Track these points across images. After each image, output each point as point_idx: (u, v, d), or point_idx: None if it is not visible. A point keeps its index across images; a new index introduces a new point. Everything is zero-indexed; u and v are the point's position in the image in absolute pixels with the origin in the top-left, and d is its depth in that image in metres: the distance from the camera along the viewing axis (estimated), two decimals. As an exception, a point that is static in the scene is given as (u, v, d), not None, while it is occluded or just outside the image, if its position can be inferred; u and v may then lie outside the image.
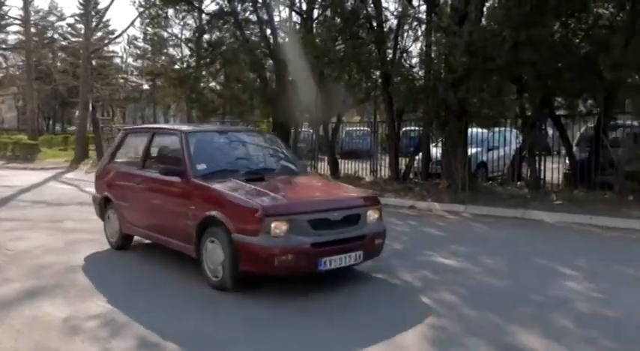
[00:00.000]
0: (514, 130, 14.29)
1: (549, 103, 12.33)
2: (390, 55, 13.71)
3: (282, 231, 4.98)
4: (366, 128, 19.74)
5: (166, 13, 17.54)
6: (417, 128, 15.49)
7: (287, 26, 16.59)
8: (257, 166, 6.56)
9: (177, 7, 17.00)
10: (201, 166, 5.89)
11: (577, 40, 11.83)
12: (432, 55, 12.48)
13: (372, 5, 13.58)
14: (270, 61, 16.39)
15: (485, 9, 11.95)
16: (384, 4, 14.70)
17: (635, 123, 12.11)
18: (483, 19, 11.76)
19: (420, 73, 13.45)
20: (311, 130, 19.18)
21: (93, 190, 7.84)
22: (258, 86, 16.42)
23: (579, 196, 10.82)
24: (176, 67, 25.15)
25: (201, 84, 17.78)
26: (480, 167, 14.12)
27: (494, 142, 13.79)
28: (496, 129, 13.30)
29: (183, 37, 28.68)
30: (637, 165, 10.83)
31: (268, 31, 15.91)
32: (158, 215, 6.33)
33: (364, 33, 13.85)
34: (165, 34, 31.05)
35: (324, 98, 14.60)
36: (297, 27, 16.15)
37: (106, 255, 7.00)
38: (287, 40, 15.73)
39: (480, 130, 13.24)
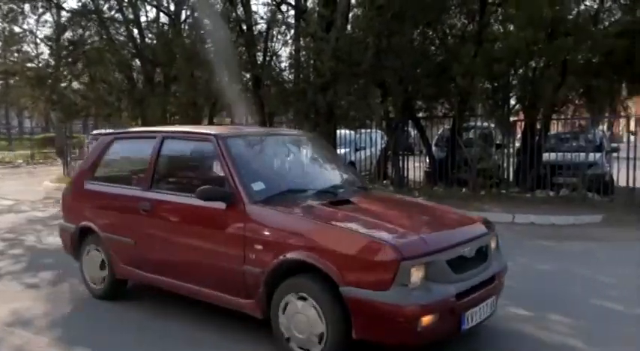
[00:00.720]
0: (379, 132, 15.07)
1: (410, 106, 13.18)
2: (260, 59, 13.94)
3: (419, 279, 3.48)
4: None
5: (22, 8, 16.43)
6: (288, 130, 15.83)
7: (155, 27, 16.22)
8: (324, 182, 4.81)
9: (35, 4, 16.03)
10: (259, 186, 4.17)
11: (433, 49, 12.82)
12: (301, 60, 12.89)
13: (241, 9, 13.72)
14: (139, 62, 15.97)
15: (350, 17, 12.54)
16: (254, 8, 14.87)
17: (485, 124, 13.35)
18: (349, 27, 12.35)
19: (289, 76, 13.82)
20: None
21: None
22: (125, 87, 15.94)
23: (439, 192, 11.70)
24: (30, 65, 23.52)
25: (63, 84, 16.88)
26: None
27: (361, 143, 14.45)
28: (363, 130, 13.99)
29: (40, 34, 26.90)
30: (487, 163, 11.94)
31: (135, 31, 15.51)
32: (187, 256, 4.46)
33: (234, 36, 13.96)
34: (18, 30, 28.89)
35: (194, 100, 14.51)
36: (166, 28, 15.88)
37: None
38: (155, 41, 15.41)
39: (348, 131, 13.85)
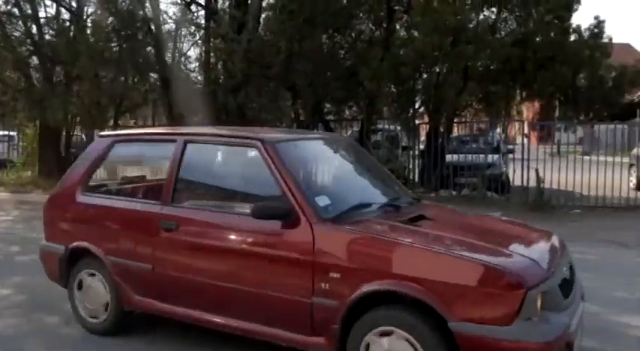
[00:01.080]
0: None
1: (320, 109, 13.45)
2: (169, 59, 13.69)
3: (539, 310, 2.98)
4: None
5: None
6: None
7: (56, 23, 15.48)
8: (381, 193, 4.24)
9: None
10: (324, 201, 3.49)
11: (343, 53, 13.16)
12: (212, 61, 12.79)
13: (149, 7, 13.40)
14: (37, 60, 15.20)
15: (262, 19, 12.60)
16: (163, 7, 14.61)
17: (392, 127, 13.83)
18: (260, 29, 12.41)
19: (199, 77, 13.68)
20: (84, 135, 18.13)
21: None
22: (22, 86, 15.11)
23: (348, 193, 11.98)
24: None
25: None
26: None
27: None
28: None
29: None
30: (394, 164, 12.35)
31: (34, 28, 14.75)
32: (229, 286, 3.63)
33: (142, 34, 13.62)
34: None
35: (98, 100, 14.00)
36: (68, 24, 15.21)
37: None
38: (56, 38, 14.73)
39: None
